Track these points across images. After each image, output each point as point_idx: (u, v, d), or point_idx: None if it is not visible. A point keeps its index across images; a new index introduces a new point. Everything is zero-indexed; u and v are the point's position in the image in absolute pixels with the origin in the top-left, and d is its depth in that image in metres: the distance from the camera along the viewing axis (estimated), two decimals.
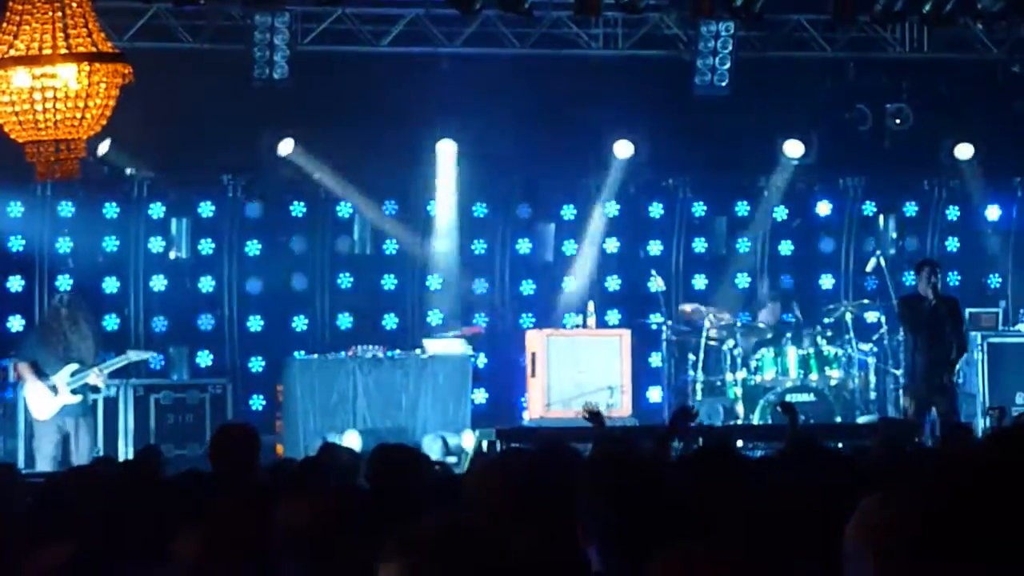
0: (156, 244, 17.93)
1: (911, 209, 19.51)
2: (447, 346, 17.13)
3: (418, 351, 16.97)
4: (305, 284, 18.35)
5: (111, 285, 17.74)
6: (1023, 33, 18.40)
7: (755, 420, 16.42)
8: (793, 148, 18.56)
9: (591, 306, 17.63)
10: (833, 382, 16.85)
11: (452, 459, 15.04)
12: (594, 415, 10.52)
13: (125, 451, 15.79)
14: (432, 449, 15.44)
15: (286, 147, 17.61)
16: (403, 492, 6.57)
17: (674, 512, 4.65)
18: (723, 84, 17.90)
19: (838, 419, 16.35)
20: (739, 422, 16.49)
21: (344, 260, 18.45)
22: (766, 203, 18.96)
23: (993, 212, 19.45)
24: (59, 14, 11.33)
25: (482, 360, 17.97)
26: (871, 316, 17.85)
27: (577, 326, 17.86)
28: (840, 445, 11.87)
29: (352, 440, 15.28)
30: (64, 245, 17.61)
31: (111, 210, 17.75)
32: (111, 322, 17.53)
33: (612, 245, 18.88)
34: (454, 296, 18.39)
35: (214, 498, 5.44)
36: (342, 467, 8.23)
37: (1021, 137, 18.54)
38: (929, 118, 18.62)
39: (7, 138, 11.77)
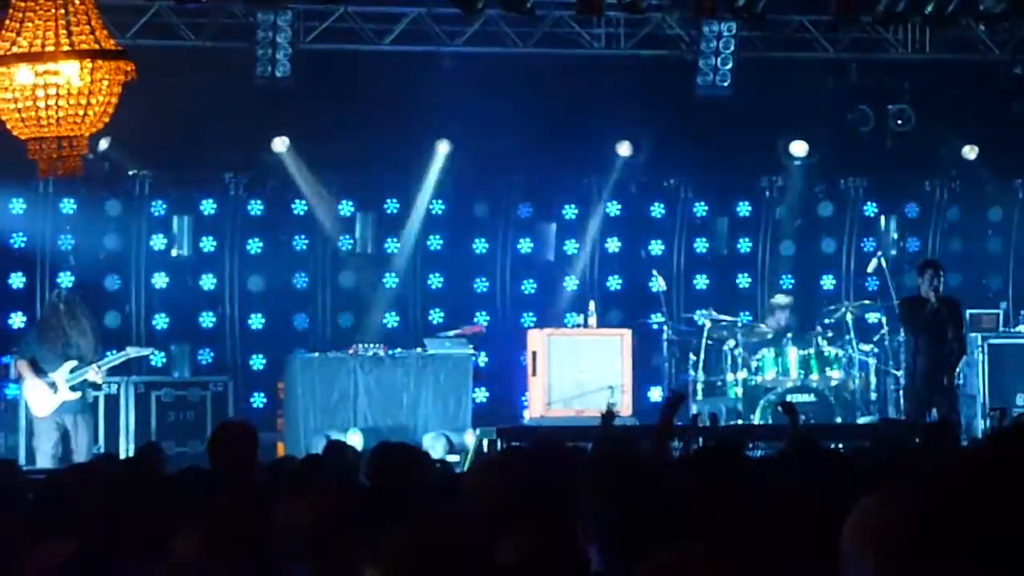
0: (158, 241, 17.95)
1: (912, 210, 19.52)
2: (448, 345, 17.13)
3: (419, 350, 16.98)
4: (306, 282, 18.37)
5: (112, 282, 17.75)
6: None
7: (756, 420, 16.42)
8: (798, 148, 18.57)
9: (592, 305, 17.65)
10: (834, 383, 16.84)
11: (455, 458, 15.05)
12: (607, 416, 10.59)
13: (126, 448, 15.80)
14: (435, 448, 15.45)
15: (280, 144, 17.62)
16: (403, 491, 6.57)
17: (674, 512, 4.65)
18: (725, 84, 17.90)
19: (838, 420, 16.35)
20: (739, 422, 16.50)
21: (345, 258, 18.48)
22: (776, 203, 19.00)
23: (994, 213, 19.46)
24: (62, 11, 11.32)
25: (483, 359, 17.98)
26: (872, 317, 17.86)
27: (578, 325, 17.88)
28: (840, 445, 11.87)
29: (354, 439, 15.28)
30: (66, 242, 17.63)
31: (113, 207, 17.77)
32: (112, 319, 17.53)
33: (613, 245, 18.89)
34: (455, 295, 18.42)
35: (214, 495, 5.44)
36: (345, 464, 8.24)
37: (1023, 138, 18.53)
38: (931, 119, 18.61)
39: (9, 135, 11.75)
